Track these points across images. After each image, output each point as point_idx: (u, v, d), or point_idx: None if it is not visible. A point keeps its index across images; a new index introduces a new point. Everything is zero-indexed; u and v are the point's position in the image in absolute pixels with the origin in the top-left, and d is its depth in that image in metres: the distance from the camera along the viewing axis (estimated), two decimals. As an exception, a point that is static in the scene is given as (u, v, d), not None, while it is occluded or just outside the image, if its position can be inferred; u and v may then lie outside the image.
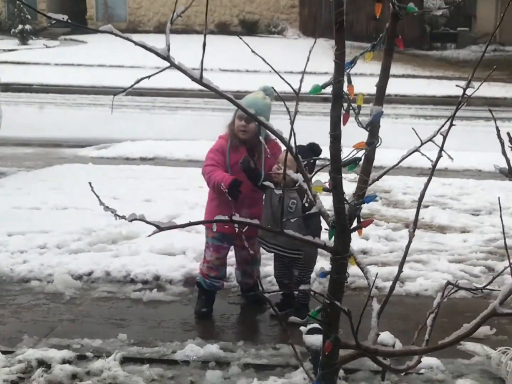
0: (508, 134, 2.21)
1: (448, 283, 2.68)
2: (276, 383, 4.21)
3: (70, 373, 4.28)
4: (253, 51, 2.42)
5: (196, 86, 2.41)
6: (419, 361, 2.64)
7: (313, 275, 5.50)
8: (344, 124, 2.36)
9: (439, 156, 2.53)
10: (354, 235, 2.60)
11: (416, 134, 2.65)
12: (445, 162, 2.66)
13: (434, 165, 2.56)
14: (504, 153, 2.23)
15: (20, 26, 29.82)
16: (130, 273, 5.96)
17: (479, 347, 4.47)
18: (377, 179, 2.61)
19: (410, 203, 8.56)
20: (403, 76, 22.88)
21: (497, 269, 6.15)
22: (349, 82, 2.37)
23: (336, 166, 2.36)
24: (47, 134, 13.37)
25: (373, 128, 2.45)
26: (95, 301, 5.52)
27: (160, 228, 2.30)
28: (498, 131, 2.14)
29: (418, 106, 18.83)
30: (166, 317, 5.23)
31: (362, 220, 2.57)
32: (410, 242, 2.66)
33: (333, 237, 2.49)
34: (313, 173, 2.68)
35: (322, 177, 2.51)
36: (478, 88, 2.55)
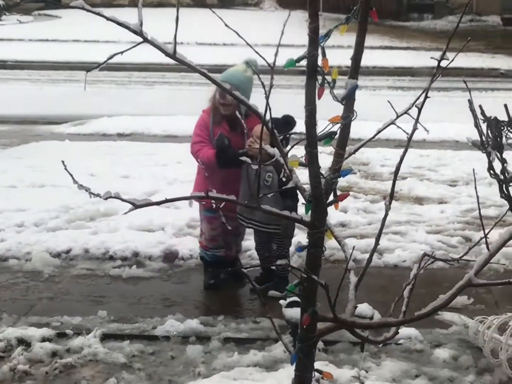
0: (480, 106, 2.21)
1: (425, 254, 2.70)
2: (256, 356, 4.25)
3: (50, 351, 4.29)
4: (226, 25, 2.39)
5: (173, 60, 2.38)
6: (396, 332, 2.66)
7: (292, 248, 5.52)
8: (319, 98, 2.35)
9: (414, 128, 2.53)
10: (332, 209, 2.60)
11: (392, 107, 2.64)
12: (422, 134, 2.65)
13: (409, 138, 2.56)
14: (476, 125, 2.23)
15: (-8, 2, 29.35)
16: (109, 250, 5.95)
17: (456, 317, 4.52)
18: (353, 153, 2.61)
19: (388, 175, 8.59)
20: (380, 47, 22.84)
21: (474, 239, 6.21)
22: (324, 55, 2.35)
23: (312, 140, 2.35)
24: (23, 111, 13.22)
25: (348, 101, 2.44)
26: (74, 278, 5.51)
27: (135, 205, 2.28)
28: (470, 103, 2.14)
29: (396, 78, 18.81)
30: (146, 293, 5.24)
31: (338, 194, 2.57)
32: (386, 214, 2.67)
33: (309, 212, 2.49)
34: (290, 147, 2.67)
35: (299, 151, 2.50)
36: (453, 60, 2.54)
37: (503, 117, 2.34)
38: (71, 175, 2.26)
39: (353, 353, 4.33)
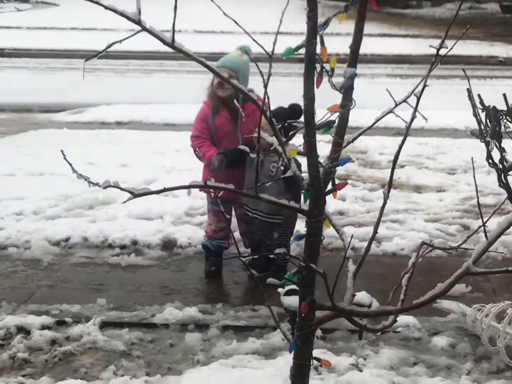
0: (479, 95, 2.21)
1: (423, 243, 2.70)
2: (255, 344, 4.26)
3: (49, 338, 4.30)
4: (224, 13, 2.38)
5: (171, 48, 2.38)
6: (394, 321, 2.66)
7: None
8: (317, 87, 2.34)
9: (413, 117, 2.52)
10: (330, 197, 2.60)
11: (391, 95, 2.63)
12: (421, 122, 2.65)
13: (408, 127, 2.55)
14: (475, 114, 2.23)
15: (-10, -11, 29.27)
16: (108, 238, 5.96)
17: (454, 305, 4.54)
18: (352, 141, 2.60)
19: (386, 163, 8.60)
20: (379, 35, 22.79)
21: (473, 227, 6.21)
22: (322, 43, 2.34)
23: (310, 129, 2.35)
24: (21, 99, 13.19)
25: (347, 90, 2.44)
26: (73, 266, 5.52)
27: (134, 194, 2.28)
28: (469, 92, 2.14)
29: (394, 66, 18.78)
30: (145, 281, 5.25)
31: (337, 182, 2.57)
32: (385, 203, 2.67)
33: (308, 200, 2.49)
34: (290, 136, 2.67)
35: (297, 140, 2.51)
36: (451, 48, 2.54)
37: (501, 105, 2.34)
38: (70, 164, 2.26)
39: (351, 341, 4.34)
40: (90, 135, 10.09)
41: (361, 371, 3.88)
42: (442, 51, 2.50)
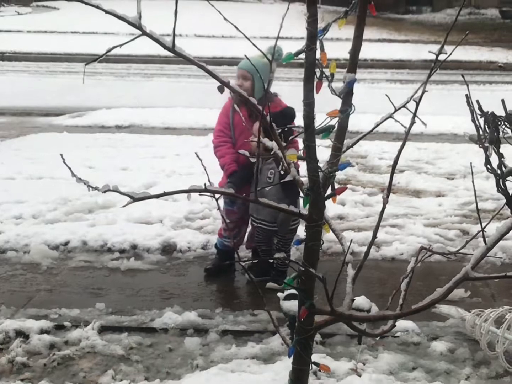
0: (478, 101, 2.21)
1: (422, 247, 2.71)
2: (254, 348, 4.26)
3: (48, 343, 4.29)
4: (225, 19, 2.39)
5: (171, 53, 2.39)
6: (393, 325, 2.67)
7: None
8: (317, 92, 2.35)
9: (412, 122, 2.53)
10: (330, 202, 2.61)
11: (390, 100, 2.64)
12: (420, 127, 2.66)
13: (407, 132, 2.56)
14: (473, 120, 2.23)
15: (-10, -7, 29.31)
16: (107, 242, 5.96)
17: (453, 310, 4.53)
18: (351, 146, 2.61)
19: (386, 168, 8.61)
20: (378, 40, 22.85)
21: (472, 232, 6.22)
22: (322, 49, 2.35)
23: (310, 134, 2.36)
24: (21, 103, 13.21)
25: (346, 95, 2.45)
26: (72, 270, 5.51)
27: (134, 198, 2.29)
28: (467, 98, 2.15)
29: (394, 71, 18.82)
30: (144, 285, 5.24)
31: (336, 187, 2.58)
32: (384, 208, 2.67)
33: (307, 205, 2.50)
34: (289, 140, 2.67)
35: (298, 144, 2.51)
36: (451, 54, 2.55)
37: (500, 109, 2.34)
38: (70, 168, 2.27)
39: (351, 345, 4.34)
40: (90, 139, 10.09)
41: (360, 375, 3.87)
42: (442, 57, 2.51)
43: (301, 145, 2.48)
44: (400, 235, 6.24)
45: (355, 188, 7.60)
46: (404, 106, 2.57)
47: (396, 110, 2.57)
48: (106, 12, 2.30)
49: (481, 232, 2.53)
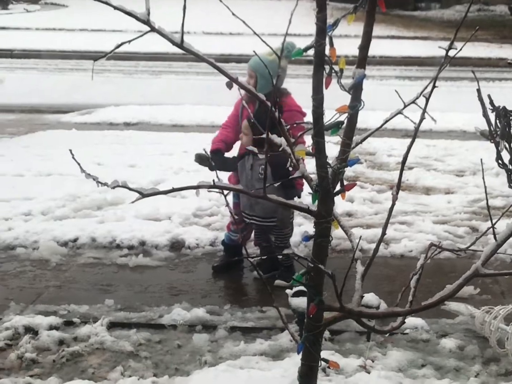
0: (489, 96, 2.20)
1: (432, 244, 2.69)
2: (262, 345, 4.26)
3: (57, 339, 4.31)
4: (233, 14, 2.38)
5: (180, 49, 2.38)
6: (403, 322, 2.66)
7: (298, 238, 5.55)
8: (326, 88, 2.33)
9: (422, 118, 2.52)
10: (338, 198, 2.60)
11: (399, 96, 2.62)
12: (429, 124, 2.65)
13: (417, 128, 2.54)
14: (484, 115, 2.22)
15: (-1, -10, 29.38)
16: (116, 238, 5.97)
17: (463, 307, 4.52)
18: (360, 142, 2.60)
19: (394, 165, 8.59)
20: (387, 37, 22.78)
21: (481, 229, 6.20)
22: (331, 44, 2.34)
23: (319, 130, 2.34)
24: (30, 100, 13.24)
25: (356, 91, 2.43)
26: (81, 267, 5.53)
27: (143, 194, 2.28)
28: (479, 93, 2.13)
29: (403, 67, 18.76)
30: (153, 282, 5.25)
31: (345, 183, 2.57)
32: (393, 205, 2.66)
33: (316, 201, 2.49)
34: (298, 136, 2.66)
35: (306, 140, 2.50)
36: (460, 50, 2.53)
37: (510, 106, 2.33)
38: (79, 164, 2.27)
39: (359, 342, 4.34)
40: (98, 136, 10.11)
41: (369, 372, 3.87)
42: (451, 53, 2.50)
43: (308, 141, 2.47)
44: (409, 232, 6.23)
45: (363, 185, 7.59)
46: (413, 102, 2.55)
47: (405, 106, 2.55)
48: (115, 8, 2.29)
49: (491, 229, 2.51)
